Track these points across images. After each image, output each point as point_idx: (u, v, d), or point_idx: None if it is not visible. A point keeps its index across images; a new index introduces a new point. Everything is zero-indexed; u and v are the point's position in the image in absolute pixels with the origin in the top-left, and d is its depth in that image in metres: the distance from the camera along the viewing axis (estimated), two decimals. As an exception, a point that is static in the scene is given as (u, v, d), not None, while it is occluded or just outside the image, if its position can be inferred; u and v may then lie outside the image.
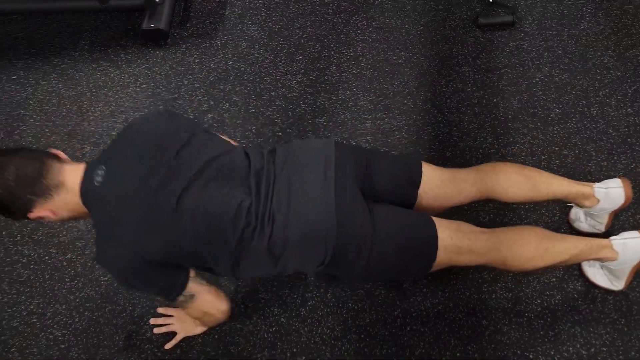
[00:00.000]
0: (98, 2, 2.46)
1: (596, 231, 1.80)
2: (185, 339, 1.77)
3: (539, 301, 1.75)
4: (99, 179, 1.36)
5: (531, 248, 1.56)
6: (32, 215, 1.37)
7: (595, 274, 1.74)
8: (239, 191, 1.39)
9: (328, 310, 1.80)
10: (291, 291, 1.84)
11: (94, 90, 2.35)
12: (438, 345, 1.71)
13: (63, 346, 1.79)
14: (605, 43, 2.27)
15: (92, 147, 2.19)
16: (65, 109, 2.31)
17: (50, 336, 1.81)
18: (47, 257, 1.96)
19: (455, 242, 1.48)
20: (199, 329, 1.76)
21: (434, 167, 1.61)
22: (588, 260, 1.66)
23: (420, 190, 1.56)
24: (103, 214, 1.36)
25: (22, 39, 2.52)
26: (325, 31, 2.43)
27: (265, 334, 1.77)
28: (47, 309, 1.86)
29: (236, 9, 2.53)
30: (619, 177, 1.71)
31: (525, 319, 1.73)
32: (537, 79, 2.21)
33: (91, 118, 2.28)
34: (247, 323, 1.79)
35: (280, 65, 2.35)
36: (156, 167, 1.36)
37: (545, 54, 2.27)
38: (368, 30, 2.41)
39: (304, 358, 1.72)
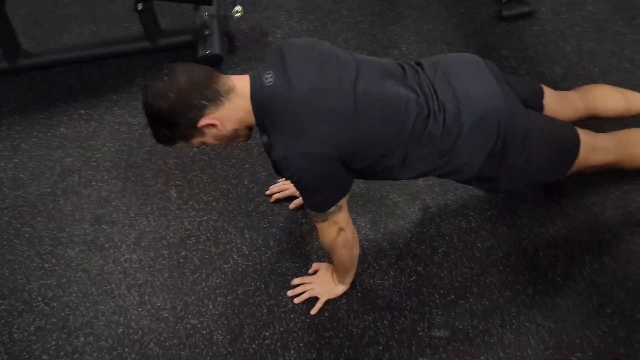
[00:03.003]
0: (148, 41, 2.60)
1: None
2: (329, 302, 1.74)
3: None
4: (269, 79, 1.36)
5: None
6: (200, 123, 1.35)
7: None
8: (402, 86, 1.45)
9: (460, 253, 1.84)
10: (418, 244, 1.87)
11: (161, 115, 2.40)
12: (574, 265, 1.77)
13: (204, 332, 1.72)
14: (613, 16, 2.59)
15: (175, 161, 2.21)
16: (138, 133, 2.33)
17: (188, 325, 1.73)
18: (160, 259, 1.91)
19: (588, 140, 1.65)
20: (339, 289, 1.75)
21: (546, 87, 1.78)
22: None
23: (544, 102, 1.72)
24: (285, 112, 1.35)
25: (76, 85, 2.56)
26: (367, 41, 2.64)
27: (407, 283, 1.78)
28: (176, 303, 1.79)
29: (278, 35, 2.71)
30: None
31: (646, 225, 1.84)
32: (568, 49, 2.48)
33: (166, 138, 2.31)
34: (385, 278, 1.79)
35: (335, 71, 2.51)
36: (322, 67, 1.39)
37: (567, 32, 2.56)
38: (406, 34, 2.64)
39: (453, 296, 1.73)
